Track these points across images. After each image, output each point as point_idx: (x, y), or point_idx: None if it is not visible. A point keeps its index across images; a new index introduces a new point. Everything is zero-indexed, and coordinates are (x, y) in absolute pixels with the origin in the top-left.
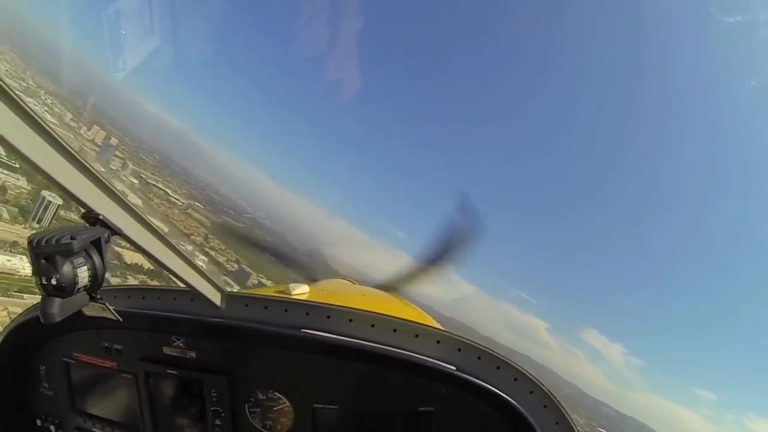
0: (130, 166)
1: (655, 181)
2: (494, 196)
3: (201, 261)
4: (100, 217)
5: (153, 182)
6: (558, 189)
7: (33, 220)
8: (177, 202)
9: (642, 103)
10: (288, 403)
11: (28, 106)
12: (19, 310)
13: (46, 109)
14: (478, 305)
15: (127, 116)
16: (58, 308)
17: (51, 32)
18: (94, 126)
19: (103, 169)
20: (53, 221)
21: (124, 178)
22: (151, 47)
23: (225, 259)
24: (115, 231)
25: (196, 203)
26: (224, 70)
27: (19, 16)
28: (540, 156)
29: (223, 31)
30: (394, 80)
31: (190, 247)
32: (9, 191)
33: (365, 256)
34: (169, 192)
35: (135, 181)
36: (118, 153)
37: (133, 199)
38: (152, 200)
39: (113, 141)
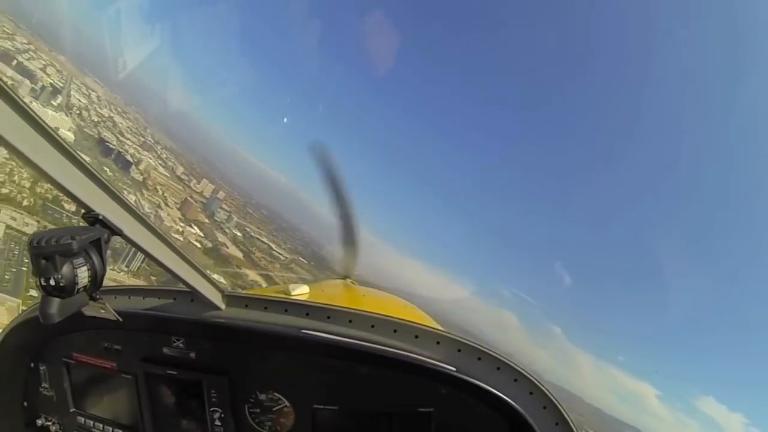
0: (235, 219)
1: None
2: (596, 257)
3: None
4: (100, 217)
5: (257, 236)
6: (666, 250)
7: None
8: (280, 256)
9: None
10: (288, 404)
11: (28, 106)
12: None
13: (160, 162)
14: (586, 370)
15: (240, 173)
16: (57, 308)
17: (172, 95)
18: (204, 179)
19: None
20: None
21: (227, 230)
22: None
23: None
24: (115, 231)
25: (300, 258)
26: (335, 128)
27: (145, 80)
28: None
29: (332, 94)
30: (487, 135)
31: None
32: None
33: (479, 319)
34: (273, 246)
35: (238, 233)
36: (224, 206)
37: (234, 252)
38: (254, 253)
39: (221, 194)
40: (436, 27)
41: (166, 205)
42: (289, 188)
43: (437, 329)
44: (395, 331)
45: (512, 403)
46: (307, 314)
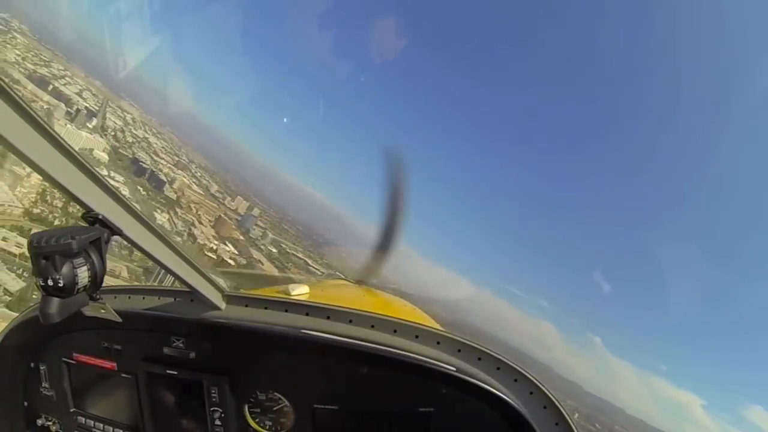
0: (270, 235)
1: None
2: (635, 263)
3: None
4: (100, 217)
5: (293, 252)
6: (709, 254)
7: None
8: (316, 271)
9: None
10: (288, 404)
11: (28, 105)
12: None
13: (194, 180)
14: (628, 381)
15: (275, 190)
16: (57, 308)
17: (207, 116)
18: (238, 197)
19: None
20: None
21: (262, 246)
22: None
23: None
24: (115, 231)
25: (337, 273)
26: (370, 144)
27: (180, 101)
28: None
29: (368, 111)
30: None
31: None
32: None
33: (517, 330)
34: (309, 261)
35: (274, 250)
36: (259, 222)
37: (268, 267)
38: (290, 269)
39: (255, 211)
40: (469, 41)
41: (200, 223)
42: (324, 204)
43: (437, 329)
44: (395, 331)
45: (512, 403)
46: (307, 314)
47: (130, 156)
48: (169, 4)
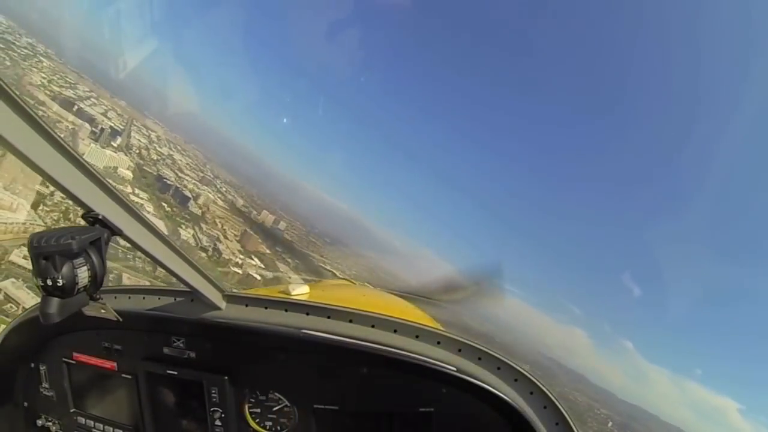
0: (297, 248)
1: None
2: (666, 266)
3: None
4: (100, 217)
5: (321, 264)
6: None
7: None
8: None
9: None
10: (288, 404)
11: (28, 105)
12: None
13: (219, 195)
14: (661, 386)
15: (301, 203)
16: (57, 308)
17: (232, 132)
18: (264, 211)
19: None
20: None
21: (289, 260)
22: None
23: None
24: (115, 231)
25: (366, 283)
26: (399, 158)
27: (205, 119)
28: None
29: (388, 121)
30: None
31: None
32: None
33: (548, 336)
34: (337, 273)
35: (299, 261)
36: (286, 235)
37: (295, 280)
38: (318, 281)
39: (282, 224)
40: (488, 48)
41: (225, 237)
42: (351, 215)
43: (438, 329)
44: (396, 330)
45: (513, 403)
46: (308, 314)
47: (155, 173)
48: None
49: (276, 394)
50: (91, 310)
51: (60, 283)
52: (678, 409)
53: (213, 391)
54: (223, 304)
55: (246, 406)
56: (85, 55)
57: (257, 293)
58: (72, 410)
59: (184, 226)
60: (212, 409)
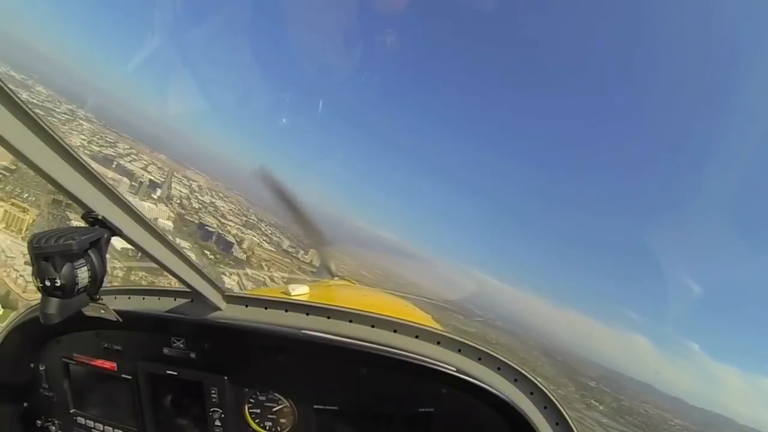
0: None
1: None
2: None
3: None
4: (100, 217)
5: None
6: None
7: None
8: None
9: None
10: (288, 404)
11: (27, 106)
12: None
13: (265, 239)
14: (734, 388)
15: (348, 237)
16: (57, 309)
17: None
18: (311, 250)
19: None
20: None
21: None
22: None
23: None
24: (115, 232)
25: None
26: (444, 183)
27: (246, 165)
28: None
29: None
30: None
31: None
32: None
33: (606, 346)
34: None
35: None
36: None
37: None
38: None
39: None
40: (510, 54)
41: (272, 281)
42: (401, 246)
43: (438, 329)
44: (395, 331)
45: (512, 403)
46: (308, 314)
47: (196, 221)
48: (231, 78)
49: (276, 394)
50: (91, 311)
51: (60, 283)
52: (755, 409)
53: (213, 392)
54: (223, 305)
55: (246, 407)
56: (124, 115)
57: (257, 294)
58: (72, 410)
59: (228, 273)
60: (212, 409)
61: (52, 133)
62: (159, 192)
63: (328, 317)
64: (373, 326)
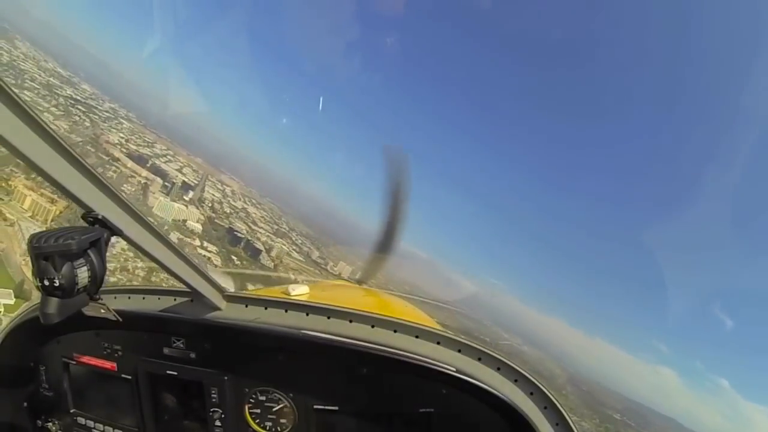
0: None
1: None
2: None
3: None
4: (100, 217)
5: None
6: None
7: None
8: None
9: None
10: (288, 404)
11: (27, 106)
12: None
13: (294, 248)
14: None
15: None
16: (57, 309)
17: (306, 183)
18: (341, 262)
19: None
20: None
21: None
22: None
23: None
24: (115, 232)
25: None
26: (477, 208)
27: (281, 173)
28: None
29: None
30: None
31: None
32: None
33: (632, 377)
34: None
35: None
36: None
37: None
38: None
39: (358, 275)
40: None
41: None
42: (429, 261)
43: (438, 329)
44: (395, 331)
45: (512, 403)
46: (308, 314)
47: (226, 226)
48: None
49: (276, 394)
50: (91, 311)
51: (60, 283)
52: None
53: (213, 392)
54: (223, 305)
55: (246, 407)
56: (165, 117)
57: (257, 294)
58: (72, 410)
59: (252, 281)
60: (212, 409)
61: (52, 133)
62: (191, 194)
63: (328, 317)
64: (373, 326)
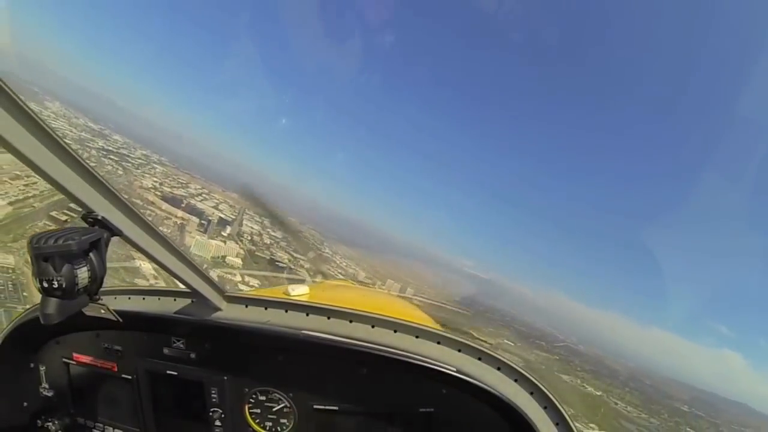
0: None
1: None
2: None
3: None
4: (100, 218)
5: (471, 331)
6: None
7: None
8: (484, 343)
9: None
10: (288, 404)
11: (28, 107)
12: None
13: (340, 270)
14: None
15: (427, 266)
16: (57, 309)
17: (343, 207)
18: (389, 280)
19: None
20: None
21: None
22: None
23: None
24: (115, 232)
25: (505, 341)
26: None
27: (321, 201)
28: None
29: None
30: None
31: None
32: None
33: (695, 365)
34: (474, 333)
35: None
36: (414, 302)
37: None
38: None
39: (409, 291)
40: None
41: None
42: (475, 273)
43: (438, 329)
44: (396, 331)
45: (513, 403)
46: (308, 315)
47: (267, 257)
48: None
49: (276, 394)
50: (91, 311)
51: (60, 283)
52: None
53: (213, 392)
54: (223, 305)
55: (246, 407)
56: (196, 157)
57: (257, 294)
58: (72, 410)
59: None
60: (212, 409)
61: (51, 133)
62: (229, 229)
63: (328, 317)
64: (373, 326)
